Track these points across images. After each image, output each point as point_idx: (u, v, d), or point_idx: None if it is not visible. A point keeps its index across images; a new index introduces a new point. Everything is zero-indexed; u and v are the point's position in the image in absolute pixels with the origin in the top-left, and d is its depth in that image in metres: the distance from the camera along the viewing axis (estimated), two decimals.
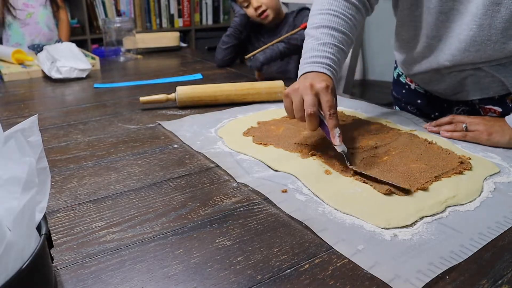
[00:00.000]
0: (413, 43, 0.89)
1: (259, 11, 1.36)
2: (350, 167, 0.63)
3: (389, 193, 0.57)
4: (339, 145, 0.64)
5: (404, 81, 1.04)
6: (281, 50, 1.26)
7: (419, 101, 1.01)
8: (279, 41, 1.25)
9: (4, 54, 1.48)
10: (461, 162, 0.67)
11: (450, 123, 0.81)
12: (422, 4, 0.81)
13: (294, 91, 0.69)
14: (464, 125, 0.78)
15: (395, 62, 1.08)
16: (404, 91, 1.05)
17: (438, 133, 0.80)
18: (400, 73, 1.06)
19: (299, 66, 0.78)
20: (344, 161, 0.64)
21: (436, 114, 0.98)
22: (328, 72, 0.73)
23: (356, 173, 0.63)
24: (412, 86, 1.02)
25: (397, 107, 1.11)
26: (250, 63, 1.25)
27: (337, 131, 0.65)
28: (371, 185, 0.59)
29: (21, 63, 1.45)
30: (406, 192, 0.58)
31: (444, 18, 0.78)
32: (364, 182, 0.61)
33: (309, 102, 0.66)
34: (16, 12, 1.97)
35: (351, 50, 0.88)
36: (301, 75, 0.75)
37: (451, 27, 0.78)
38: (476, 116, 0.81)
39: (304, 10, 1.44)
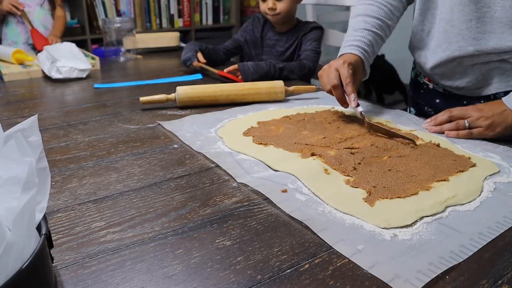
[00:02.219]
0: (432, 31, 0.89)
1: (272, 12, 1.38)
2: (368, 121, 0.78)
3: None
4: (355, 107, 0.81)
5: (422, 81, 1.04)
6: (272, 71, 1.25)
7: (437, 101, 1.00)
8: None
9: (4, 54, 1.48)
10: (462, 161, 0.67)
11: (449, 120, 0.80)
12: None
13: (322, 71, 0.86)
14: (466, 123, 0.77)
15: (413, 63, 1.07)
16: (422, 91, 1.04)
17: (441, 132, 0.79)
18: (418, 73, 1.05)
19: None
20: (362, 121, 0.81)
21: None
22: (354, 51, 0.87)
23: (371, 127, 0.78)
24: (431, 85, 1.01)
25: (411, 108, 1.10)
26: (241, 68, 1.23)
27: (352, 97, 0.80)
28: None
29: (21, 63, 1.45)
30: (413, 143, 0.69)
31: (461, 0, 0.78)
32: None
33: (330, 77, 0.82)
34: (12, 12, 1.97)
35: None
36: (338, 57, 0.89)
37: (467, 10, 0.78)
38: (471, 106, 0.79)
39: (316, 30, 1.42)
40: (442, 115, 0.81)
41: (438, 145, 0.74)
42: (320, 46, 1.42)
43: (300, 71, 1.30)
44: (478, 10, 0.78)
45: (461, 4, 0.79)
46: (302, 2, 1.76)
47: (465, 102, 0.94)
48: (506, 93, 0.85)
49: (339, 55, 0.90)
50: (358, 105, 0.81)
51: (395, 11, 0.92)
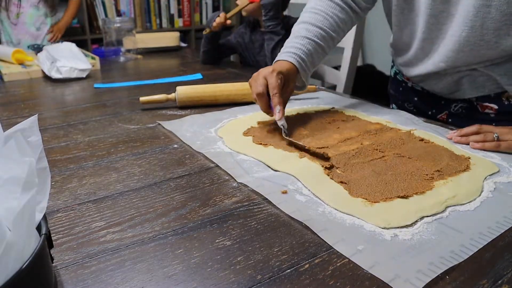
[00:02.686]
0: (408, 46, 0.89)
1: None
2: (286, 138, 0.74)
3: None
4: (278, 120, 0.77)
5: (401, 79, 1.05)
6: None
7: (415, 99, 1.01)
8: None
9: (4, 54, 1.48)
10: (462, 161, 0.67)
11: (477, 133, 0.76)
12: (414, 7, 0.82)
13: (252, 79, 0.83)
14: (495, 135, 0.73)
15: (392, 61, 1.08)
16: (401, 88, 1.05)
17: (465, 143, 0.75)
18: (397, 71, 1.06)
19: None
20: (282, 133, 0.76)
21: (433, 111, 0.98)
22: (290, 59, 0.83)
23: (290, 143, 0.73)
24: (409, 84, 1.02)
25: (393, 105, 1.11)
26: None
27: (277, 108, 0.77)
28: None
29: (21, 63, 1.45)
30: (325, 158, 0.66)
31: (435, 21, 0.79)
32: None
33: (257, 84, 0.79)
34: (3, 13, 1.98)
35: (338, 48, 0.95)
36: (274, 63, 0.85)
37: (443, 29, 0.79)
38: (503, 126, 0.76)
39: None
40: (470, 127, 0.77)
41: (437, 145, 0.74)
42: None
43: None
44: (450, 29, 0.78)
45: (438, 24, 0.79)
46: (302, 2, 1.76)
47: (442, 102, 0.94)
48: (477, 98, 0.86)
49: (275, 61, 0.86)
50: (282, 118, 0.77)
51: (342, 24, 0.89)
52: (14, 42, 2.02)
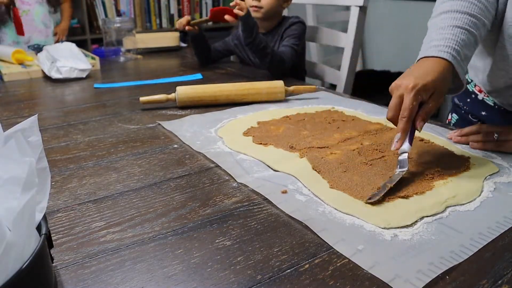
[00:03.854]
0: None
1: (254, 4, 1.36)
2: (369, 201, 0.56)
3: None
4: (394, 149, 0.62)
5: (471, 89, 0.92)
6: (263, 41, 1.26)
7: (483, 113, 0.91)
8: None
9: (4, 54, 1.48)
10: (462, 161, 0.67)
11: (477, 132, 0.73)
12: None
13: (393, 87, 0.64)
14: (495, 135, 0.71)
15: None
16: (469, 100, 0.93)
17: (465, 143, 0.74)
18: (469, 80, 0.93)
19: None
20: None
21: None
22: (441, 54, 0.64)
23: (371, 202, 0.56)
24: (480, 96, 0.90)
25: (454, 114, 1.00)
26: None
27: (397, 136, 0.62)
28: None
29: (21, 63, 1.45)
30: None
31: None
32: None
33: (390, 106, 0.63)
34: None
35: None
36: (416, 62, 0.68)
37: None
38: (504, 126, 0.74)
39: (297, 25, 1.40)
40: (470, 128, 0.75)
41: (438, 145, 0.74)
42: (299, 43, 1.38)
43: (277, 62, 1.29)
44: None
45: None
46: (302, 2, 1.76)
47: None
48: None
49: (418, 58, 0.68)
50: (400, 144, 0.62)
51: (491, 8, 0.71)
52: (24, 40, 2.01)
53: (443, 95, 0.65)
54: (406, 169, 0.62)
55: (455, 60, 0.64)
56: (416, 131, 0.64)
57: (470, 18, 0.68)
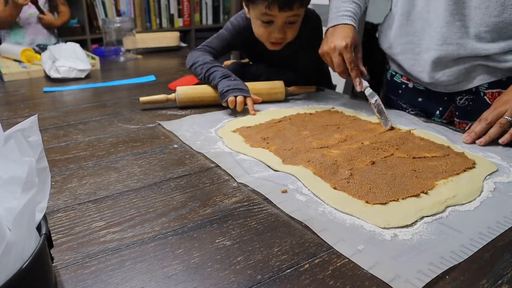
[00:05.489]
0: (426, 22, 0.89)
1: (274, 40, 1.00)
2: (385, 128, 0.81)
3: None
4: (360, 90, 0.90)
5: (399, 81, 1.02)
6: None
7: (420, 99, 0.99)
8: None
9: (13, 53, 1.49)
10: (462, 161, 0.67)
11: (488, 128, 0.75)
12: None
13: (326, 53, 0.90)
14: (508, 118, 0.72)
15: (387, 63, 1.06)
16: (400, 91, 1.03)
17: (485, 144, 0.74)
18: (394, 73, 1.04)
19: (328, 20, 0.94)
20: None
21: (440, 109, 0.96)
22: (350, 22, 0.90)
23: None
24: (410, 84, 1.00)
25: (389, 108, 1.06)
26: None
27: (357, 81, 0.89)
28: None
29: (30, 61, 1.46)
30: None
31: None
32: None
33: (335, 63, 0.88)
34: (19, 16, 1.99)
35: None
36: (330, 27, 0.92)
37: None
38: (495, 103, 0.76)
39: (316, 35, 1.12)
40: (479, 126, 0.76)
41: (438, 144, 0.74)
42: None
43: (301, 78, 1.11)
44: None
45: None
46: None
47: (445, 98, 0.94)
48: (489, 84, 0.85)
49: (334, 24, 0.91)
50: (362, 84, 0.89)
51: None
52: (27, 42, 2.02)
53: (360, 46, 0.91)
54: (377, 97, 0.88)
55: (356, 23, 0.92)
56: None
57: None
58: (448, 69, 0.87)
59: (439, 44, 0.85)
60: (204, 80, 1.02)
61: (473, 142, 0.76)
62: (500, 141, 0.74)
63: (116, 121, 0.91)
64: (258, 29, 1.00)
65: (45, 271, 0.38)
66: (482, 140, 0.75)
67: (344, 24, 0.90)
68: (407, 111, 1.01)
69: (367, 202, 0.55)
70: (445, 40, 0.84)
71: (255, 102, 0.97)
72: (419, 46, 0.90)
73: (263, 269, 0.44)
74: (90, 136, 0.82)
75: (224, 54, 1.17)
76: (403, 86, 1.02)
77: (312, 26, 1.11)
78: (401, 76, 1.02)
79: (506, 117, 0.73)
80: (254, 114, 0.92)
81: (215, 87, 0.98)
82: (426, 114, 0.99)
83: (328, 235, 0.49)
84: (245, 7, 1.02)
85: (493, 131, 0.74)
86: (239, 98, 0.93)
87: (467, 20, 0.81)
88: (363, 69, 0.89)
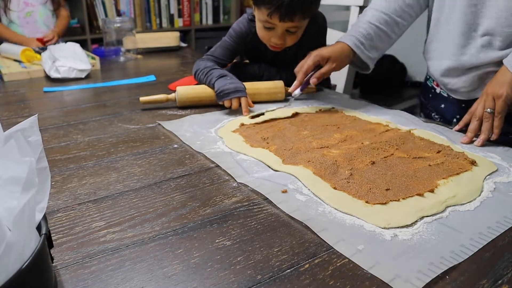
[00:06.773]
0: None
1: (274, 44, 1.02)
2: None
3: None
4: (290, 92, 0.95)
5: (430, 85, 1.04)
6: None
7: (442, 106, 1.01)
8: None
9: (13, 53, 1.49)
10: (462, 161, 0.67)
11: (480, 124, 0.77)
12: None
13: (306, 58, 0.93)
14: (488, 110, 0.75)
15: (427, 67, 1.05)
16: (430, 95, 1.05)
17: (488, 139, 0.76)
18: (428, 77, 1.05)
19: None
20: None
21: (457, 117, 0.97)
22: (347, 41, 0.92)
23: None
24: (437, 90, 1.01)
25: (422, 114, 1.10)
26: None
27: (295, 83, 0.93)
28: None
29: (30, 61, 1.46)
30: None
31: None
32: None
33: (300, 64, 0.94)
34: (12, 13, 1.98)
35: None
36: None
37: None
38: (480, 97, 0.78)
39: (321, 37, 1.13)
40: (472, 124, 0.78)
41: (438, 144, 0.74)
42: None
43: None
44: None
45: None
46: None
47: (463, 106, 0.94)
48: None
49: (337, 40, 0.95)
50: (293, 89, 0.93)
51: (407, 8, 0.94)
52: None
53: (338, 65, 0.92)
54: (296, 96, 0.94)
55: (356, 46, 0.91)
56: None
57: (383, 16, 0.94)
58: (464, 76, 0.89)
59: (453, 54, 0.87)
60: (204, 83, 1.03)
61: (471, 142, 0.77)
62: (492, 138, 0.76)
63: (116, 121, 0.91)
64: (260, 31, 1.03)
65: (45, 271, 0.38)
66: (480, 140, 0.76)
67: (341, 42, 0.93)
68: (432, 114, 1.04)
69: (367, 202, 0.56)
70: (459, 49, 0.86)
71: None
72: (441, 53, 0.92)
73: (263, 269, 0.44)
74: (90, 136, 0.82)
75: (230, 62, 1.16)
76: (432, 90, 1.03)
77: (317, 26, 1.11)
78: (433, 80, 1.03)
79: (486, 111, 0.76)
80: (246, 115, 0.92)
81: (212, 87, 0.98)
82: (444, 120, 1.00)
83: (328, 235, 0.49)
84: (253, 5, 1.03)
85: (485, 127, 0.76)
86: (234, 103, 0.94)
87: (481, 30, 0.83)
88: (313, 80, 0.91)
